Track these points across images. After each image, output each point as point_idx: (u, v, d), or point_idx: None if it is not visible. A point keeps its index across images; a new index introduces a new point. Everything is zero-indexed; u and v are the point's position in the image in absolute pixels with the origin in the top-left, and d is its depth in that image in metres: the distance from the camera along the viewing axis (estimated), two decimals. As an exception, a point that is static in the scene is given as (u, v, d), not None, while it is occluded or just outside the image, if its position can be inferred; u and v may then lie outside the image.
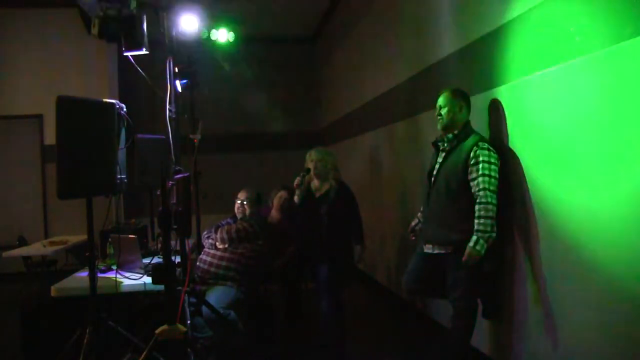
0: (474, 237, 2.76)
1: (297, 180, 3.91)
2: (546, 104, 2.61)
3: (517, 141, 2.86)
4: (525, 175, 2.77)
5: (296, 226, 4.18)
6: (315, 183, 4.06)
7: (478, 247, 2.75)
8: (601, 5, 2.19)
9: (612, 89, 2.16)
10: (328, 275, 3.85)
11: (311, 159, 3.99)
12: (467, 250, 2.77)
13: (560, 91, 2.49)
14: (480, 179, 2.80)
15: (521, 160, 2.81)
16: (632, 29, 2.01)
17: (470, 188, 2.85)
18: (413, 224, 3.39)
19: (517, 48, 2.81)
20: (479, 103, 3.17)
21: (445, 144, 3.03)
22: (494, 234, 2.77)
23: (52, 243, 5.72)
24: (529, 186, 2.75)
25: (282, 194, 4.32)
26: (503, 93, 2.97)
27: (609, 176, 2.20)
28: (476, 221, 2.78)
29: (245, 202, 3.94)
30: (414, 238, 3.37)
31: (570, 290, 2.47)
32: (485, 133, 3.10)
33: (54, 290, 3.27)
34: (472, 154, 2.85)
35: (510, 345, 3.00)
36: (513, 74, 2.86)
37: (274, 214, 4.35)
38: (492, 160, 2.82)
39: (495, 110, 3.05)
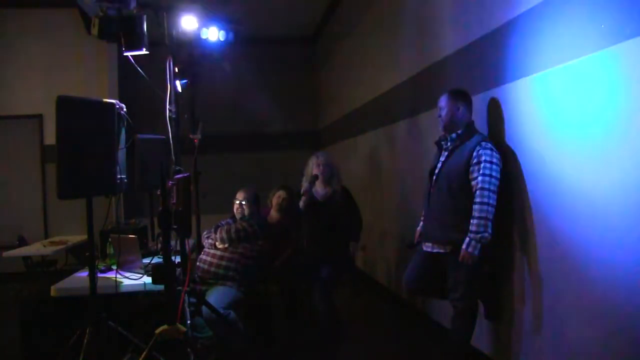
0: (467, 239, 2.77)
1: (306, 187, 4.00)
2: (546, 104, 2.61)
3: (517, 141, 2.86)
4: (526, 174, 2.77)
5: (300, 228, 4.22)
6: (319, 186, 4.13)
7: (470, 249, 2.76)
8: (601, 5, 2.19)
9: (613, 89, 2.16)
10: (330, 275, 3.93)
11: (319, 162, 4.08)
12: (461, 252, 2.79)
13: (560, 91, 2.49)
14: (480, 178, 2.79)
15: (521, 160, 2.81)
16: (632, 29, 2.01)
17: (471, 188, 2.85)
18: (419, 229, 3.28)
19: (517, 48, 2.80)
20: (479, 103, 3.17)
21: (448, 143, 3.03)
22: (486, 234, 2.75)
23: (52, 243, 5.74)
24: (530, 186, 2.75)
25: (281, 194, 4.33)
26: (503, 93, 2.97)
27: (609, 176, 2.19)
28: (471, 221, 2.78)
29: (244, 203, 3.93)
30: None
31: (570, 291, 2.47)
32: (486, 132, 3.10)
33: (54, 290, 3.27)
34: (474, 154, 2.84)
35: (510, 345, 3.00)
36: (513, 74, 2.86)
37: (273, 214, 4.36)
38: (494, 161, 2.81)
39: (495, 109, 3.05)
